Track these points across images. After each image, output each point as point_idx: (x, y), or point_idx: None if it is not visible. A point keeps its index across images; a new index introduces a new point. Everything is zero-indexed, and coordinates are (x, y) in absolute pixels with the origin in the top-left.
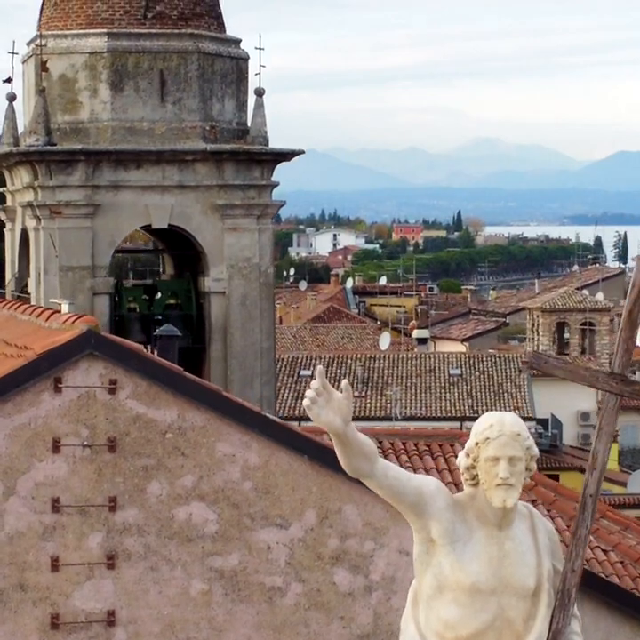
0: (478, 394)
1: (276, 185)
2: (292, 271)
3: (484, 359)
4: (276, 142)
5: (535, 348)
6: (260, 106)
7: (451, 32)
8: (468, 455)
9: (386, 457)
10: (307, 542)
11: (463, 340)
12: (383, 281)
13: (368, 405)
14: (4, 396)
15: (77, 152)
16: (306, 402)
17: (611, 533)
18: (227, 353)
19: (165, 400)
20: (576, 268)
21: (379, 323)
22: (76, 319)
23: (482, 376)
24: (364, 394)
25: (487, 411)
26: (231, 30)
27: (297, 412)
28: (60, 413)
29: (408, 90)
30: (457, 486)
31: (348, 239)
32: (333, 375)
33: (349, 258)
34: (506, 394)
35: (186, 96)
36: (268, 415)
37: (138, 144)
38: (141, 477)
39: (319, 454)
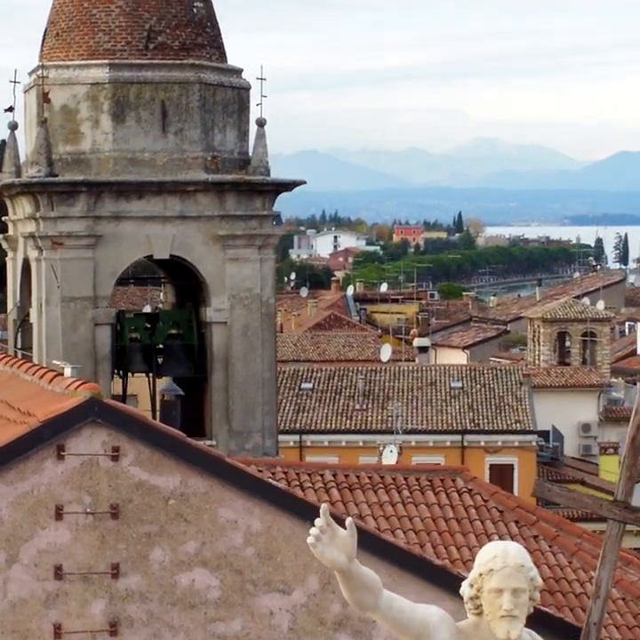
0: (479, 407)
1: (277, 214)
2: (293, 276)
3: (485, 371)
4: (278, 144)
5: (536, 358)
6: (261, 136)
7: (450, 32)
8: (471, 586)
9: (388, 492)
10: (309, 608)
11: (464, 348)
12: (384, 288)
13: (369, 418)
14: (7, 463)
15: (79, 183)
16: (310, 539)
17: None
18: (228, 383)
19: (168, 467)
20: (577, 274)
21: (380, 330)
22: (78, 385)
23: (483, 389)
24: (365, 407)
25: (488, 424)
26: (233, 28)
27: (298, 425)
28: (62, 481)
29: (408, 90)
30: (458, 522)
31: (348, 241)
32: (334, 388)
33: (350, 260)
34: (507, 407)
35: (187, 127)
36: (270, 481)
37: (139, 175)
38: (144, 544)
39: None
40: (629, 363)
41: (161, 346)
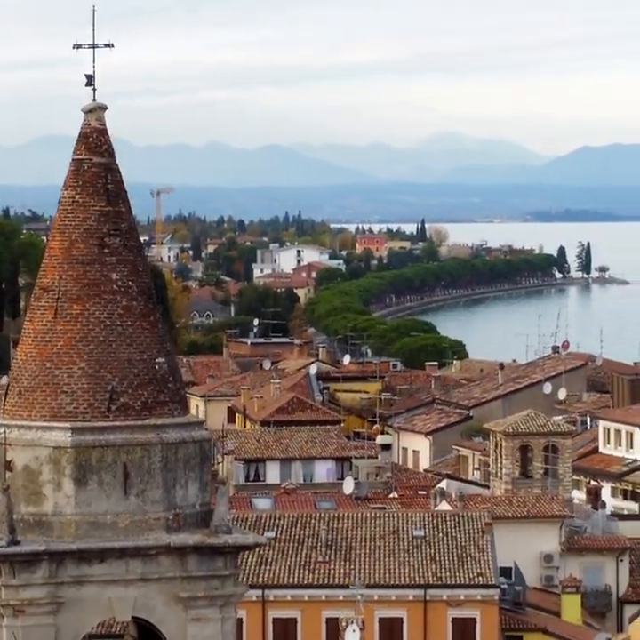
0: (442, 559)
1: (237, 573)
2: (255, 322)
3: (448, 519)
4: (242, 138)
5: (498, 470)
6: (222, 494)
7: (415, 28)
8: None
9: None
10: None
11: (427, 434)
12: (347, 359)
13: (332, 571)
14: None
15: (41, 553)
16: None
17: None
18: None
19: None
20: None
21: (342, 411)
22: None
23: (445, 537)
24: (328, 559)
25: (451, 577)
26: (199, 24)
27: (261, 579)
28: None
29: (373, 85)
30: None
31: (311, 255)
32: (297, 537)
33: (313, 275)
34: (469, 558)
35: (149, 487)
36: None
37: (101, 538)
38: None
39: None
40: (591, 461)
41: None
